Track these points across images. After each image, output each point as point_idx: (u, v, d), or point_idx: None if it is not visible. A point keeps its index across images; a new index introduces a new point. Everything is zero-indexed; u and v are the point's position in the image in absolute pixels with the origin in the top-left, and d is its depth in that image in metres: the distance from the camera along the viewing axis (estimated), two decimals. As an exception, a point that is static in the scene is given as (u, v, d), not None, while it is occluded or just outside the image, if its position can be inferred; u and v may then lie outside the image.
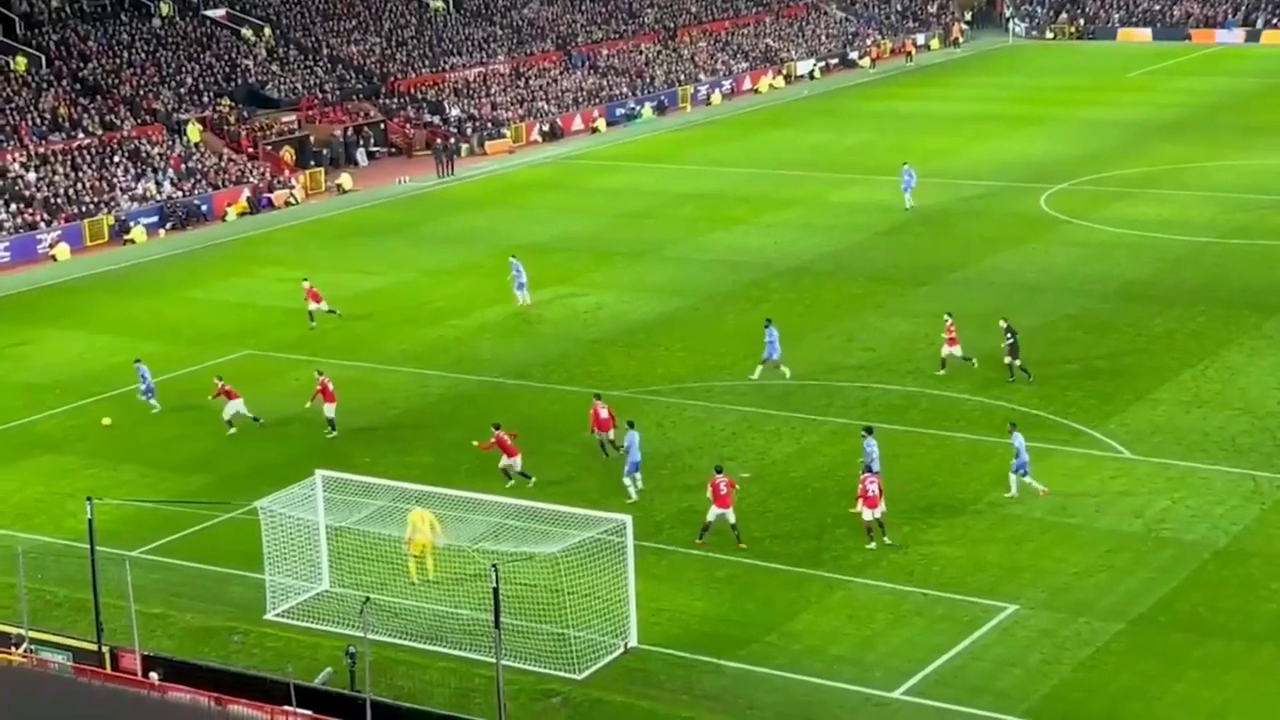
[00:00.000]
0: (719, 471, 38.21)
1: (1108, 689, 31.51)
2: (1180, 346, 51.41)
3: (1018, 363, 48.06)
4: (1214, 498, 39.94)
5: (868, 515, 37.68)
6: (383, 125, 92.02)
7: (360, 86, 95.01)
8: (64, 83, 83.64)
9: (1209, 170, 76.67)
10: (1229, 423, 44.85)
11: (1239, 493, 40.19)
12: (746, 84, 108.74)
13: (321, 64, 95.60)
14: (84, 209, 73.59)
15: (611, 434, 43.26)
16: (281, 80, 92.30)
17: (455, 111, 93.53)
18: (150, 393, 48.94)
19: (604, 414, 43.37)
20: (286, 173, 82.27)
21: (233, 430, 46.83)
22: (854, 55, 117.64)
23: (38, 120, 79.13)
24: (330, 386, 46.31)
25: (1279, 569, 36.09)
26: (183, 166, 79.19)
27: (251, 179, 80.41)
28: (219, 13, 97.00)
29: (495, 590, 28.85)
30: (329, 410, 46.26)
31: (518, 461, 41.80)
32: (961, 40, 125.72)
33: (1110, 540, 37.72)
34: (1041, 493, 39.52)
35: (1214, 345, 51.33)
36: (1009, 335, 48.25)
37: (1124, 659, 32.61)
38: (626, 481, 40.66)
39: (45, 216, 72.07)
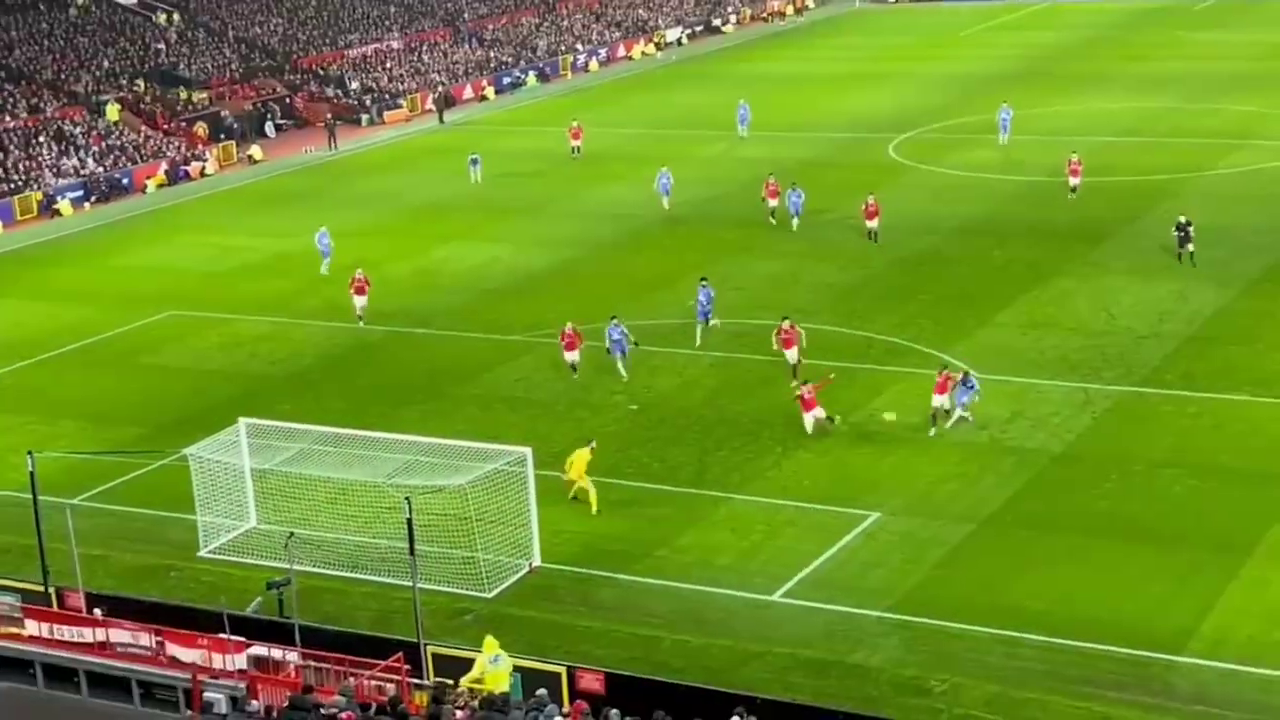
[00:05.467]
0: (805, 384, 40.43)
1: (963, 582, 32.05)
2: (1017, 276, 52.03)
3: (1189, 249, 51.03)
4: (1051, 409, 40.58)
5: (935, 401, 39.12)
6: (288, 100, 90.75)
7: (266, 64, 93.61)
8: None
9: (1039, 116, 77.36)
10: (1062, 341, 45.53)
11: (1072, 403, 40.87)
12: (621, 51, 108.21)
13: (229, 45, 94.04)
14: (13, 186, 72.12)
15: (577, 354, 44.18)
16: (192, 61, 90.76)
17: (355, 85, 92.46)
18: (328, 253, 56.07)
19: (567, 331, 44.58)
20: (200, 146, 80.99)
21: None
22: (717, 22, 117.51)
23: (-35, 105, 77.37)
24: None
25: (1109, 470, 36.84)
26: (104, 144, 77.73)
27: (168, 153, 79.10)
28: (130, 0, 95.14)
29: (409, 520, 28.81)
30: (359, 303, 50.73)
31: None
32: (812, 6, 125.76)
33: (960, 451, 38.25)
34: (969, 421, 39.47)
35: (1047, 273, 52.00)
36: (1180, 230, 51.37)
37: (976, 556, 33.18)
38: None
39: (-24, 194, 70.63)
